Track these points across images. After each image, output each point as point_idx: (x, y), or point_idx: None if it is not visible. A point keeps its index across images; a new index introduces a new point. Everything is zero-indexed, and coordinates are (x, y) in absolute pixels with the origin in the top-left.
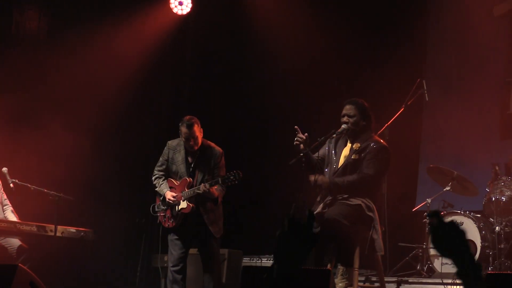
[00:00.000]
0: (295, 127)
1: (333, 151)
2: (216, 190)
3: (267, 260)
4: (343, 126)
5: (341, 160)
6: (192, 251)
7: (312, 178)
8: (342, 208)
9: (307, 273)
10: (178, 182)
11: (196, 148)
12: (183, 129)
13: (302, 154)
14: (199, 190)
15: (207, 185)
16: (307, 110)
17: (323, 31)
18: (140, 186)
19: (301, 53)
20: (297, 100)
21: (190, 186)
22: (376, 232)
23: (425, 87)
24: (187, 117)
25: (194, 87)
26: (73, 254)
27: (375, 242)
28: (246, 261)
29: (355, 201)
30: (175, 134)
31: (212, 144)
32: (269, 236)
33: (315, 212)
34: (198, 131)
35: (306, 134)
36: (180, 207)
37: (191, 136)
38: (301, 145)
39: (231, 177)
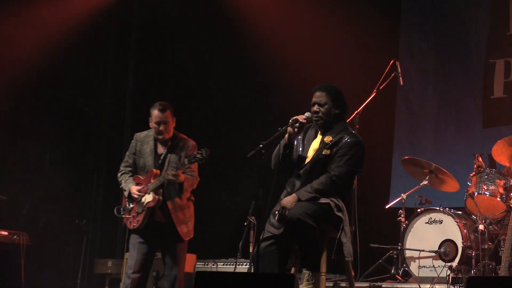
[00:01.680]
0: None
1: (300, 144)
2: (185, 177)
3: (223, 265)
4: (306, 114)
5: (310, 154)
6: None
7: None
8: (308, 207)
9: (269, 278)
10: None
11: (166, 136)
12: (155, 113)
13: (261, 146)
14: (166, 176)
15: (174, 170)
16: (273, 99)
17: (288, 11)
18: (80, 185)
19: (267, 35)
20: (261, 88)
21: (157, 178)
22: (345, 235)
23: (399, 69)
24: (161, 102)
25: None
26: (4, 260)
27: (343, 246)
28: (200, 266)
29: (323, 200)
30: (119, 127)
31: (184, 136)
32: (225, 238)
33: (277, 211)
34: (170, 118)
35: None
36: (145, 201)
37: (162, 121)
38: (293, 129)
39: (198, 156)
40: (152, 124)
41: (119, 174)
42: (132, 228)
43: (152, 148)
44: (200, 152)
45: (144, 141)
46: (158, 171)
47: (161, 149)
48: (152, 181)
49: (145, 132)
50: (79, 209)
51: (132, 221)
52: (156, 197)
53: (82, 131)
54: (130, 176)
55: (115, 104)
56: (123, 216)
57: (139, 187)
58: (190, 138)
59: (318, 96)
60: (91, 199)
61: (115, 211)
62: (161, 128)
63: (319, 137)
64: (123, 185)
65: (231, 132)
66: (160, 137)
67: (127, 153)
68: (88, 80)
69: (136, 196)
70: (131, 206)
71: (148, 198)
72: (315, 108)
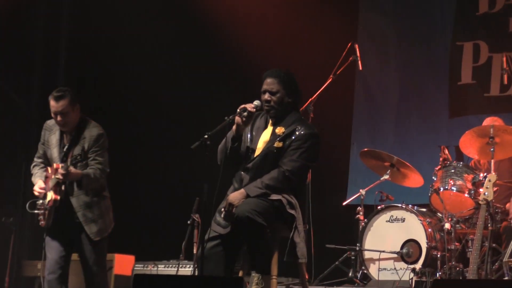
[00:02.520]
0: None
1: (248, 134)
2: (83, 172)
3: (164, 267)
4: (255, 102)
5: (260, 146)
6: (75, 256)
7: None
8: (257, 204)
9: (215, 282)
10: None
11: (66, 128)
12: (51, 102)
13: (206, 136)
14: (57, 176)
15: (65, 167)
16: (220, 85)
17: None
18: (6, 179)
19: (214, 15)
20: (207, 74)
21: None
22: (299, 234)
23: (358, 52)
24: (59, 88)
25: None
26: None
27: (297, 246)
28: (139, 268)
29: (274, 196)
30: (50, 116)
31: (92, 123)
32: (166, 238)
33: (223, 209)
34: (70, 106)
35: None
36: (47, 199)
37: (59, 111)
38: (241, 119)
39: (78, 157)
40: (52, 114)
41: (31, 166)
42: (42, 226)
43: (58, 139)
44: (80, 153)
45: (52, 130)
46: (59, 166)
47: (66, 140)
48: (52, 177)
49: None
50: (4, 206)
51: (41, 219)
52: (53, 196)
53: (9, 121)
54: (42, 168)
55: (45, 92)
56: (35, 212)
57: (42, 184)
58: (99, 124)
59: (270, 84)
60: (17, 195)
61: (27, 206)
62: (58, 119)
63: (270, 127)
64: (32, 178)
65: (173, 121)
66: (60, 128)
67: (39, 143)
68: (16, 65)
69: (36, 193)
70: (41, 202)
71: (48, 196)
72: (266, 96)
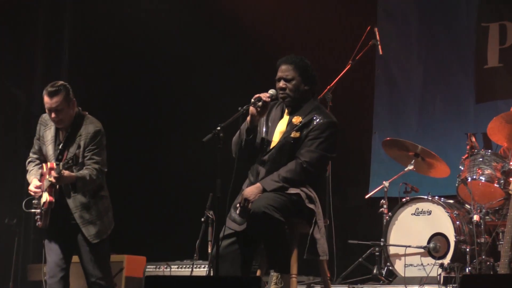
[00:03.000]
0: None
1: (264, 125)
2: (79, 174)
3: (178, 268)
4: (270, 91)
5: (276, 138)
6: (76, 258)
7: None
8: (274, 199)
9: (231, 282)
10: None
11: (61, 125)
12: (45, 98)
13: (218, 128)
14: (50, 178)
15: (58, 170)
16: (234, 75)
17: None
18: (8, 177)
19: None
20: (220, 62)
21: None
22: (319, 230)
23: (377, 36)
24: (54, 82)
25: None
26: None
27: (317, 243)
28: (151, 269)
29: (292, 190)
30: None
31: (90, 119)
32: (179, 237)
33: (238, 204)
34: (65, 103)
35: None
36: (42, 201)
37: (52, 108)
38: (255, 109)
39: (70, 161)
40: (46, 110)
41: (26, 162)
42: (39, 227)
43: (53, 135)
44: (71, 157)
45: (47, 125)
46: (53, 165)
47: (62, 136)
48: (47, 177)
49: None
50: (7, 207)
51: (38, 219)
52: (48, 198)
53: (9, 115)
54: (37, 164)
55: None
56: (32, 211)
57: (38, 183)
58: (97, 120)
59: (284, 70)
60: (20, 195)
61: (23, 205)
62: (53, 116)
63: (286, 117)
64: (27, 176)
65: (184, 113)
66: (55, 124)
67: (35, 137)
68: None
69: (32, 194)
70: (37, 201)
71: (44, 197)
72: (281, 84)
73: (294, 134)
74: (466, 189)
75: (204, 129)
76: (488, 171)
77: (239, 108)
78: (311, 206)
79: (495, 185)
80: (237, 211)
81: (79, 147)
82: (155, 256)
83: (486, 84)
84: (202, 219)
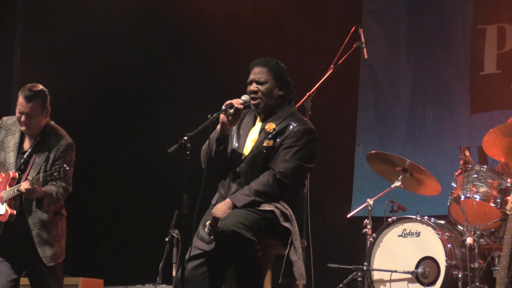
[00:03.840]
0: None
1: (235, 135)
2: (47, 190)
3: None
4: (243, 97)
5: (247, 147)
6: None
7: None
8: (245, 216)
9: None
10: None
11: (29, 131)
12: (20, 100)
13: (185, 138)
14: (20, 188)
15: (33, 181)
16: (203, 78)
17: None
18: None
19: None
20: (187, 65)
21: (16, 183)
22: (295, 251)
23: (362, 38)
24: (33, 84)
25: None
26: None
27: (293, 265)
28: None
29: (265, 206)
30: (5, 110)
31: (61, 131)
32: (141, 259)
33: (207, 222)
34: (40, 109)
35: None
36: None
37: (26, 112)
38: (226, 117)
39: (55, 173)
40: (16, 111)
41: None
42: None
43: (17, 142)
44: (57, 169)
45: (10, 130)
46: (16, 175)
47: (27, 145)
48: (7, 188)
49: (14, 118)
50: None
51: None
52: (9, 210)
53: None
54: None
55: None
56: None
57: None
58: (66, 133)
59: (257, 73)
60: None
61: None
62: (23, 119)
63: (259, 124)
64: None
65: (146, 121)
66: (22, 129)
67: None
68: None
69: None
70: None
71: (1, 209)
72: (253, 87)
73: (267, 143)
74: (458, 209)
75: (170, 138)
76: (483, 189)
77: (209, 116)
78: (287, 224)
79: (491, 204)
80: (206, 229)
81: (47, 159)
82: (114, 279)
83: (482, 92)
84: (166, 239)
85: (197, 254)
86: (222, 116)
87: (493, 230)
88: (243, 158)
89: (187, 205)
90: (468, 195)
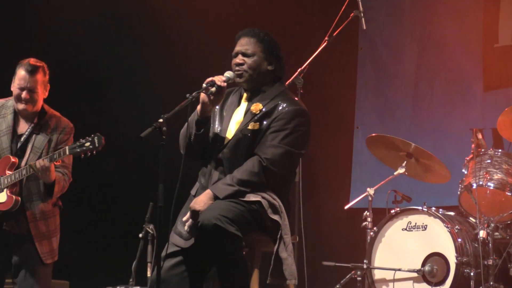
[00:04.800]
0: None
1: (218, 116)
2: (56, 177)
3: None
4: (227, 73)
5: (231, 130)
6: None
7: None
8: (228, 208)
9: None
10: None
11: (30, 109)
12: (21, 73)
13: (161, 121)
14: (33, 168)
15: (46, 160)
16: (178, 54)
17: None
18: None
19: None
20: (158, 39)
21: (14, 169)
22: (286, 247)
23: (360, 7)
24: (32, 59)
25: None
26: None
27: (283, 263)
28: None
29: (250, 197)
30: None
31: (58, 114)
32: (111, 257)
33: (185, 218)
34: (42, 85)
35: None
36: None
37: (28, 87)
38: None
39: (87, 144)
40: (14, 88)
41: None
42: None
43: (10, 125)
44: (89, 139)
45: (0, 113)
46: (16, 160)
47: (23, 127)
48: (7, 173)
49: (1, 101)
50: None
51: None
52: (14, 197)
53: None
54: None
55: None
56: None
57: None
58: (65, 117)
59: (244, 44)
60: None
61: None
62: (24, 95)
63: (244, 104)
64: None
65: (117, 103)
66: (21, 107)
67: None
68: None
69: None
70: None
71: (1, 197)
72: (238, 59)
73: (253, 125)
74: (470, 198)
75: (144, 121)
76: (498, 176)
77: (187, 95)
78: (275, 217)
79: (507, 193)
80: (185, 227)
81: (50, 141)
82: (82, 280)
83: (496, 67)
84: (140, 235)
85: (174, 252)
86: (202, 95)
87: (509, 222)
88: (226, 143)
89: (163, 196)
90: (481, 182)
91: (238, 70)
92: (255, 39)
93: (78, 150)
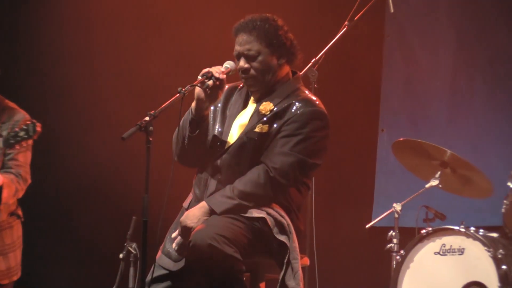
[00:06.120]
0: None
1: (219, 116)
2: (3, 180)
3: None
4: (226, 64)
5: (233, 133)
6: None
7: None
8: (226, 226)
9: None
10: None
11: None
12: None
13: (147, 118)
14: None
15: None
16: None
17: None
18: None
19: None
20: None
21: None
22: (294, 274)
23: None
24: None
25: None
26: None
27: None
28: None
29: (253, 212)
30: None
31: (13, 105)
32: (87, 280)
33: (174, 234)
34: None
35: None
36: None
37: None
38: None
39: (21, 133)
40: None
41: None
42: None
43: None
44: (24, 128)
45: None
46: None
47: None
48: None
49: None
50: None
51: None
52: None
53: None
54: None
55: None
56: None
57: None
58: (23, 110)
59: (243, 43)
60: None
61: None
62: None
63: (253, 105)
64: None
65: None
66: None
67: None
68: None
69: None
70: None
71: None
72: (243, 63)
73: (261, 128)
74: None
75: (127, 120)
76: None
77: (179, 89)
78: (282, 238)
79: None
80: (174, 245)
81: (3, 136)
82: None
83: None
84: (121, 255)
85: (161, 276)
86: (197, 89)
87: None
88: (226, 147)
89: (149, 209)
90: None
91: (245, 78)
92: (256, 33)
93: (13, 141)
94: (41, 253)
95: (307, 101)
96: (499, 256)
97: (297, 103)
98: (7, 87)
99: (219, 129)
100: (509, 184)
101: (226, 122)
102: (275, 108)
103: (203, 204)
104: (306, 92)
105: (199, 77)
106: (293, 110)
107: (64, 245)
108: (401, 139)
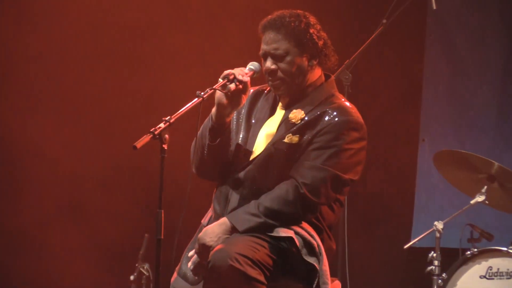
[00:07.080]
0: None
1: (243, 124)
2: None
3: None
4: (250, 65)
5: (261, 144)
6: None
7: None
8: (249, 245)
9: None
10: None
11: None
12: None
13: (162, 125)
14: None
15: None
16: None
17: None
18: None
19: None
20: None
21: None
22: None
23: None
24: None
25: None
26: None
27: None
28: None
29: (280, 231)
30: None
31: None
32: None
33: (190, 253)
34: None
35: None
36: None
37: None
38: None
39: None
40: None
41: None
42: None
43: None
44: None
45: None
46: None
47: None
48: None
49: None
50: None
51: None
52: None
53: None
54: None
55: None
56: None
57: None
58: None
59: (270, 41)
60: None
61: None
62: None
63: (281, 112)
64: None
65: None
66: None
67: None
68: None
69: None
70: None
71: None
72: (269, 63)
73: (290, 139)
74: None
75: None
76: None
77: (198, 93)
78: (312, 260)
79: None
80: (189, 264)
81: None
82: None
83: None
84: (132, 277)
85: None
86: (218, 93)
87: None
88: (251, 158)
89: (163, 226)
90: None
91: (272, 81)
92: (284, 31)
93: None
94: (43, 273)
95: (342, 110)
96: None
97: (330, 112)
98: None
99: (243, 138)
100: None
101: (251, 131)
102: (306, 117)
103: (224, 221)
104: (342, 99)
105: (220, 80)
106: (326, 120)
107: (69, 266)
108: (444, 149)
